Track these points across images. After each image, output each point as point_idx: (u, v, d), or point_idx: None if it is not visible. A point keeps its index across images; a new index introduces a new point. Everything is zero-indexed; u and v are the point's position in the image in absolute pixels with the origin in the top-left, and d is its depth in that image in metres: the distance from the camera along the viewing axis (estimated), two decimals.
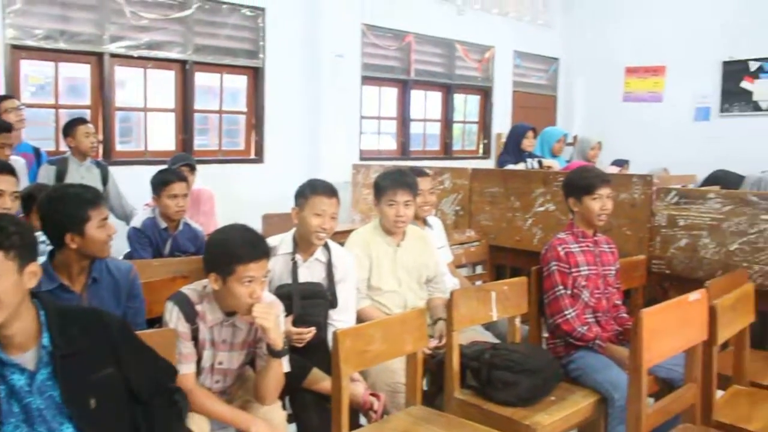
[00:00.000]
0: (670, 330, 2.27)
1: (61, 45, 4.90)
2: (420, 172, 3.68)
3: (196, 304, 2.30)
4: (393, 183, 3.17)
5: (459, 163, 6.96)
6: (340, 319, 2.91)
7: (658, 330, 2.19)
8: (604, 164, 6.11)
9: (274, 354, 2.26)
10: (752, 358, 3.19)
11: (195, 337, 2.30)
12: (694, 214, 3.44)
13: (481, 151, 8.09)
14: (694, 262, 3.47)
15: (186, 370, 2.26)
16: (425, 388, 3.28)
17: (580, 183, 3.03)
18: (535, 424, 2.49)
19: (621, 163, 6.84)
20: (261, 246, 2.23)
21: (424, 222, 3.69)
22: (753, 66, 7.51)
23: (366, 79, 6.79)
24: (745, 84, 7.58)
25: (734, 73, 7.63)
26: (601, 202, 3.00)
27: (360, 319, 3.01)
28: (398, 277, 3.20)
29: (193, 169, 4.37)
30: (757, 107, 7.51)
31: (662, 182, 3.70)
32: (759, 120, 7.49)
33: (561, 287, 2.92)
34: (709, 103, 7.85)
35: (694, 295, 2.39)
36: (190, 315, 2.28)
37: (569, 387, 2.81)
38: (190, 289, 2.34)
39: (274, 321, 2.22)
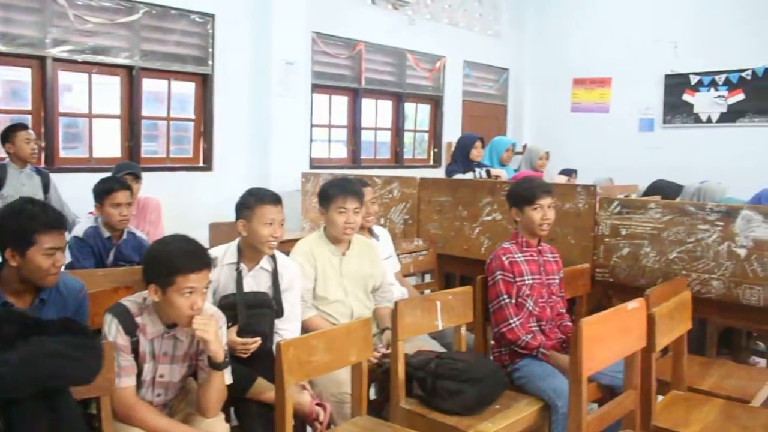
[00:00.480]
0: (610, 338, 2.31)
1: (0, 48, 4.76)
2: (363, 183, 3.69)
3: (136, 316, 2.25)
4: (342, 190, 3.17)
5: (410, 172, 7.00)
6: (286, 328, 2.90)
7: (598, 338, 2.23)
8: (553, 173, 6.21)
9: (215, 366, 2.23)
10: (690, 363, 3.28)
11: (135, 350, 2.25)
12: (636, 223, 3.51)
13: (432, 159, 8.14)
14: (636, 270, 3.54)
15: (126, 383, 2.21)
16: (374, 397, 3.29)
17: (522, 193, 3.08)
18: None
19: (569, 172, 6.96)
20: (202, 256, 2.20)
21: (370, 232, 3.69)
22: (693, 79, 7.76)
23: (316, 87, 6.78)
24: (686, 97, 7.82)
25: (676, 86, 7.88)
26: (542, 212, 3.04)
27: (306, 329, 2.99)
28: (344, 286, 3.19)
29: (137, 177, 4.29)
30: (697, 119, 7.76)
31: (605, 192, 3.77)
32: (699, 131, 7.74)
33: (505, 296, 2.95)
34: (652, 115, 8.09)
35: (633, 304, 2.43)
36: (130, 327, 2.23)
37: (514, 395, 2.83)
38: (129, 301, 2.29)
39: (215, 333, 2.19)
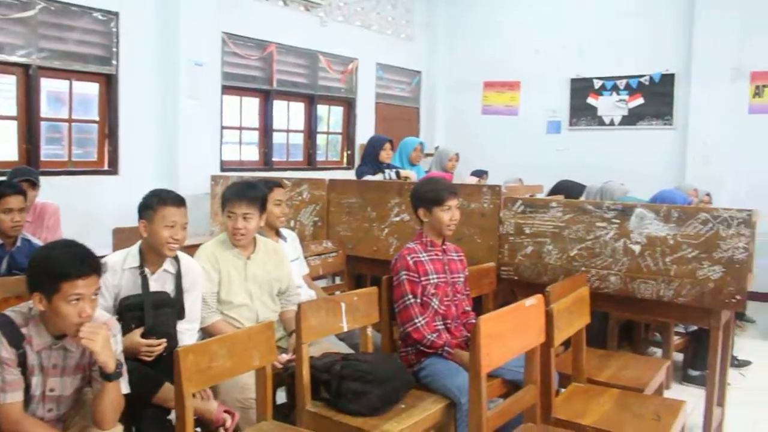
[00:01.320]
0: (508, 335, 2.36)
1: None
2: (274, 184, 3.65)
3: (21, 327, 2.14)
4: (233, 195, 3.14)
5: (323, 174, 6.97)
6: (186, 328, 2.84)
7: (496, 335, 2.27)
8: (464, 175, 6.31)
9: (106, 377, 2.14)
10: (591, 356, 3.40)
11: (22, 363, 2.13)
12: (539, 222, 3.61)
13: (345, 161, 8.14)
14: (539, 268, 3.64)
15: (11, 399, 2.09)
16: (285, 401, 3.25)
17: (430, 195, 3.11)
18: None
19: (480, 173, 7.09)
20: (89, 261, 2.10)
21: (278, 234, 3.65)
22: (597, 84, 8.06)
23: (227, 89, 6.66)
24: (590, 100, 8.11)
25: (581, 89, 8.16)
26: (450, 213, 3.09)
27: (211, 334, 2.91)
28: (249, 290, 3.14)
29: (34, 184, 4.10)
30: (601, 122, 8.06)
31: (510, 192, 3.86)
32: (603, 133, 8.05)
33: (410, 296, 2.97)
34: (559, 117, 8.35)
35: (531, 301, 2.49)
36: (15, 339, 2.11)
37: (420, 394, 2.86)
38: (14, 311, 2.17)
39: (103, 342, 2.09)
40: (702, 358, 4.23)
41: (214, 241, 3.24)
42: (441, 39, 9.19)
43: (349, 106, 8.13)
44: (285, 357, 2.97)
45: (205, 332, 3.00)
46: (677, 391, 4.36)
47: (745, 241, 3.11)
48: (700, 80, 7.37)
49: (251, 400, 2.71)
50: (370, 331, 3.04)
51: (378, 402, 2.64)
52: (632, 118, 7.87)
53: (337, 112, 8.15)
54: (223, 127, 6.68)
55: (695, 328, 4.57)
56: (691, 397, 3.63)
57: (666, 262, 3.28)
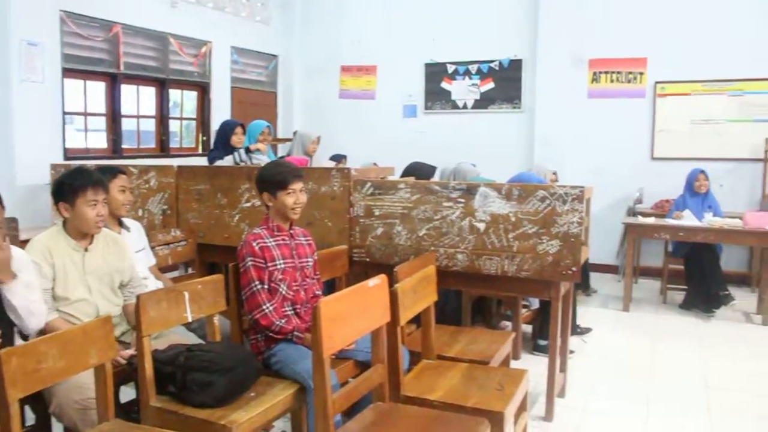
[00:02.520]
0: (351, 316, 2.36)
1: None
2: (118, 170, 3.47)
3: None
4: (88, 180, 2.92)
5: (177, 161, 6.70)
6: None
7: (338, 317, 2.26)
8: (321, 159, 6.29)
9: None
10: (441, 333, 3.49)
11: None
12: (388, 203, 3.65)
13: (200, 148, 7.88)
14: (390, 249, 3.68)
15: None
16: (135, 397, 3.10)
17: (274, 179, 3.06)
18: (231, 423, 2.44)
19: (338, 157, 7.11)
20: None
21: (120, 224, 3.47)
22: (450, 68, 8.27)
23: (68, 72, 6.23)
24: (444, 84, 8.31)
25: (435, 74, 8.34)
26: (295, 197, 3.06)
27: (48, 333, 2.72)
28: (88, 284, 2.96)
29: None
30: (455, 105, 8.29)
31: (360, 174, 3.87)
32: (457, 117, 8.29)
33: (257, 282, 2.91)
34: (415, 101, 8.50)
35: (374, 281, 2.51)
36: None
37: (270, 381, 2.81)
38: None
39: None
40: (548, 329, 4.46)
41: (47, 233, 3.02)
42: (297, 22, 9.08)
43: (203, 90, 7.86)
44: (128, 352, 2.83)
45: (41, 333, 2.80)
46: (527, 361, 4.59)
47: (579, 216, 3.28)
48: (544, 66, 7.74)
49: (91, 400, 2.55)
50: (217, 319, 2.96)
51: (225, 392, 2.56)
52: (484, 102, 8.14)
53: (192, 96, 7.87)
54: (65, 113, 6.26)
55: (544, 300, 4.81)
56: (539, 366, 3.82)
57: (509, 238, 3.41)
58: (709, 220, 5.94)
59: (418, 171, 4.83)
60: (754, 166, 7.17)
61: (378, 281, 2.52)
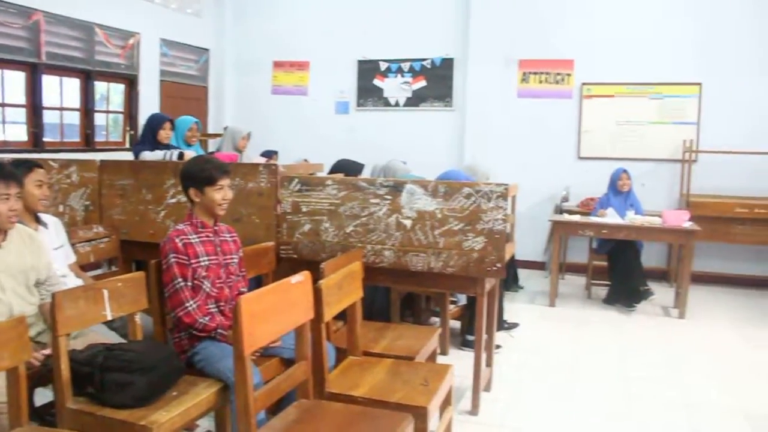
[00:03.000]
0: (273, 313, 2.34)
1: None
2: (34, 164, 3.35)
3: None
4: (4, 176, 2.81)
5: (104, 155, 6.52)
6: None
7: (260, 314, 2.24)
8: (252, 155, 6.22)
9: None
10: (368, 329, 3.51)
11: None
12: (315, 200, 3.64)
13: (128, 142, 7.67)
14: (317, 246, 3.67)
15: None
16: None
17: (202, 174, 3.01)
18: (152, 423, 2.39)
19: (270, 153, 7.03)
20: None
21: (38, 220, 3.35)
22: (383, 66, 8.29)
23: None
24: (376, 82, 8.33)
25: (367, 71, 8.35)
26: (222, 193, 3.02)
27: None
28: (1, 282, 2.85)
29: None
30: (387, 103, 8.32)
31: (288, 171, 3.84)
32: (389, 114, 8.32)
33: (180, 280, 2.86)
34: (347, 98, 8.50)
35: (297, 278, 2.50)
36: None
37: (193, 379, 2.76)
38: None
39: None
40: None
41: None
42: (229, 16, 8.95)
43: (130, 83, 7.66)
44: (43, 353, 2.74)
45: None
46: (455, 356, 4.65)
47: (503, 213, 3.35)
48: (476, 65, 7.85)
49: (2, 404, 2.46)
50: (138, 318, 2.89)
51: (145, 391, 2.51)
52: (416, 100, 8.20)
53: (119, 89, 7.66)
54: None
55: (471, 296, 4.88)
56: (467, 361, 3.87)
57: (435, 235, 3.45)
58: (631, 218, 6.14)
59: (346, 168, 4.84)
60: (673, 166, 7.45)
61: (301, 278, 2.51)
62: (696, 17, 7.29)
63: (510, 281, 6.61)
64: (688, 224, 5.95)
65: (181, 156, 4.85)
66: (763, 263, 7.32)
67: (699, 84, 7.35)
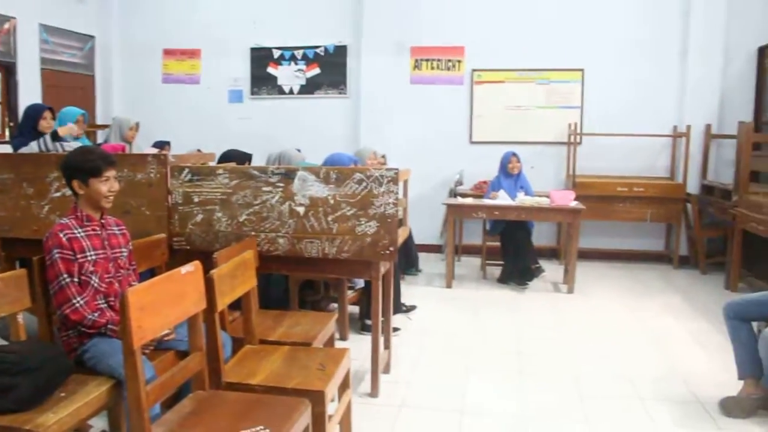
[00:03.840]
0: (163, 304, 2.30)
1: None
2: None
3: None
4: None
5: None
6: None
7: (149, 306, 2.20)
8: (142, 146, 6.05)
9: None
10: (264, 318, 3.51)
11: None
12: (207, 190, 3.59)
13: (7, 134, 7.27)
14: (210, 236, 3.63)
15: None
16: None
17: (86, 165, 2.91)
18: (37, 427, 2.31)
19: (161, 144, 6.84)
20: None
21: None
22: (276, 54, 8.23)
23: None
24: (270, 69, 8.25)
25: (261, 59, 8.26)
26: (109, 184, 2.94)
27: None
28: None
29: None
30: (281, 91, 8.27)
31: (178, 161, 3.77)
32: (283, 102, 8.27)
33: (66, 276, 2.77)
34: (241, 86, 8.37)
35: (187, 268, 2.47)
36: None
37: (83, 378, 2.68)
38: None
39: None
40: None
41: None
42: (115, 2, 8.61)
43: (7, 71, 7.25)
44: None
45: None
46: (355, 341, 4.71)
47: (394, 198, 3.42)
48: (369, 52, 7.92)
49: None
50: (21, 317, 2.77)
51: (30, 394, 2.41)
52: (310, 87, 8.19)
53: None
54: None
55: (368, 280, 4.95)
56: (366, 344, 3.92)
57: (328, 221, 3.48)
58: (521, 199, 6.38)
59: (234, 158, 4.79)
60: (559, 148, 7.79)
61: (191, 268, 2.48)
62: (579, 6, 7.63)
63: (409, 265, 6.74)
64: (574, 204, 6.25)
65: (54, 136, 4.61)
66: (642, 238, 7.80)
67: (582, 70, 7.71)
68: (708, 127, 7.42)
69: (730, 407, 3.63)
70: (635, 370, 4.28)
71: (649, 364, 4.41)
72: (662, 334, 5.06)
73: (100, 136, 7.57)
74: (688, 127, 7.35)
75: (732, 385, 3.77)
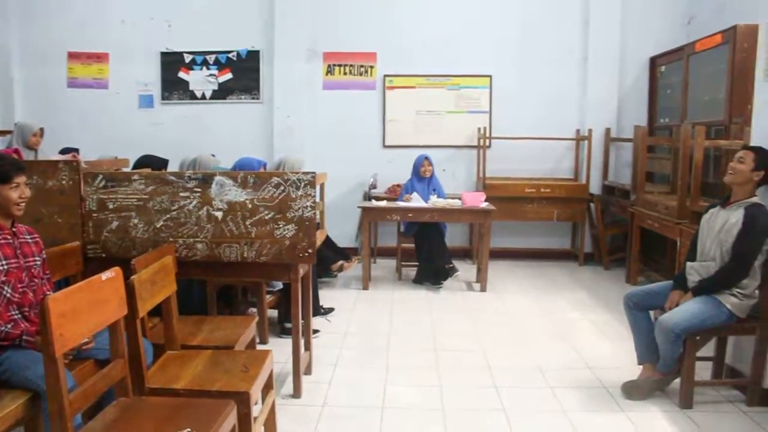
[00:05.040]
0: (84, 312, 2.29)
1: None
2: None
3: None
4: None
5: None
6: None
7: (69, 313, 2.19)
8: (48, 153, 5.86)
9: None
10: (185, 324, 3.51)
11: None
12: (122, 196, 3.55)
13: None
14: (127, 243, 3.58)
15: None
16: None
17: None
18: None
19: (69, 151, 6.64)
20: None
21: None
22: (187, 58, 8.10)
23: None
24: (182, 74, 8.13)
25: (172, 63, 8.12)
26: (19, 191, 2.88)
27: None
28: None
29: None
30: (193, 96, 8.14)
31: (91, 167, 3.71)
32: (196, 107, 8.14)
33: None
34: (151, 91, 8.19)
35: (107, 274, 2.46)
36: None
37: None
38: None
39: None
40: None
41: None
42: (14, 4, 8.26)
43: None
44: None
45: None
46: (275, 344, 4.73)
47: (312, 201, 3.48)
48: (282, 58, 7.92)
49: None
50: None
51: None
52: (223, 93, 8.11)
53: None
54: None
55: (286, 283, 4.97)
56: (287, 347, 3.96)
57: (247, 225, 3.51)
58: (434, 201, 6.56)
59: (150, 164, 4.73)
60: (470, 152, 8.05)
61: (111, 274, 2.48)
62: (486, 15, 7.91)
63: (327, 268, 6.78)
64: (484, 205, 6.47)
65: None
66: (549, 236, 8.16)
67: (489, 76, 7.98)
68: (608, 131, 7.83)
69: (630, 390, 3.90)
70: (545, 360, 4.50)
71: (557, 354, 4.64)
72: (569, 326, 5.33)
73: (1, 143, 7.26)
74: (590, 131, 7.74)
75: (632, 370, 4.05)
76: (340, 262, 6.39)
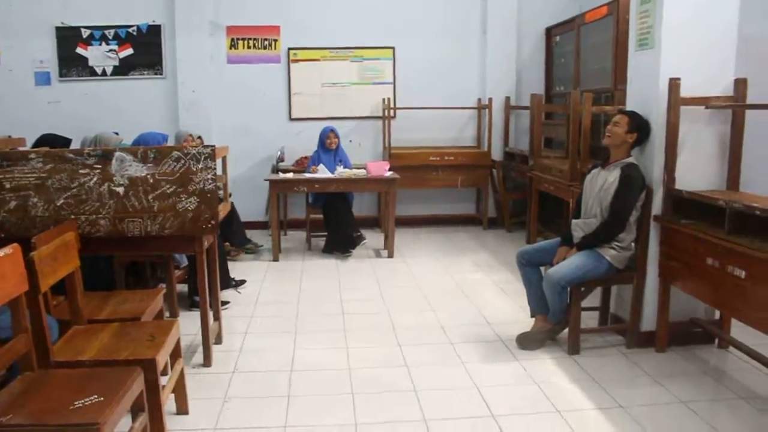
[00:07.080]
0: None
1: None
2: None
3: None
4: None
5: None
6: None
7: None
8: None
9: None
10: (91, 299, 3.54)
11: None
12: (19, 175, 3.53)
13: None
14: (27, 222, 3.57)
15: None
16: None
17: None
18: None
19: None
20: None
21: None
22: (85, 33, 7.88)
23: None
24: (80, 50, 7.90)
25: (69, 38, 7.87)
26: None
27: None
28: None
29: None
30: (93, 72, 7.93)
31: None
32: (96, 84, 7.94)
33: None
34: (48, 68, 7.93)
35: (5, 251, 2.50)
36: None
37: None
38: None
39: None
40: None
41: None
42: None
43: None
44: None
45: None
46: (186, 318, 4.80)
47: (212, 173, 3.57)
48: (183, 32, 7.82)
49: None
50: None
51: None
52: (124, 69, 7.95)
53: None
54: None
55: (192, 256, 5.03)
56: (197, 320, 4.03)
57: (149, 199, 3.57)
58: (340, 171, 6.71)
59: (51, 143, 4.68)
60: (375, 123, 8.23)
61: (9, 251, 2.51)
62: None
63: (238, 241, 6.83)
64: (389, 174, 6.67)
65: None
66: (455, 203, 8.48)
67: (392, 48, 8.15)
68: (507, 99, 8.16)
69: (524, 341, 4.20)
70: (447, 319, 4.76)
71: (459, 313, 4.92)
72: (472, 286, 5.63)
73: None
74: (490, 100, 8.05)
75: (528, 323, 4.36)
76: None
